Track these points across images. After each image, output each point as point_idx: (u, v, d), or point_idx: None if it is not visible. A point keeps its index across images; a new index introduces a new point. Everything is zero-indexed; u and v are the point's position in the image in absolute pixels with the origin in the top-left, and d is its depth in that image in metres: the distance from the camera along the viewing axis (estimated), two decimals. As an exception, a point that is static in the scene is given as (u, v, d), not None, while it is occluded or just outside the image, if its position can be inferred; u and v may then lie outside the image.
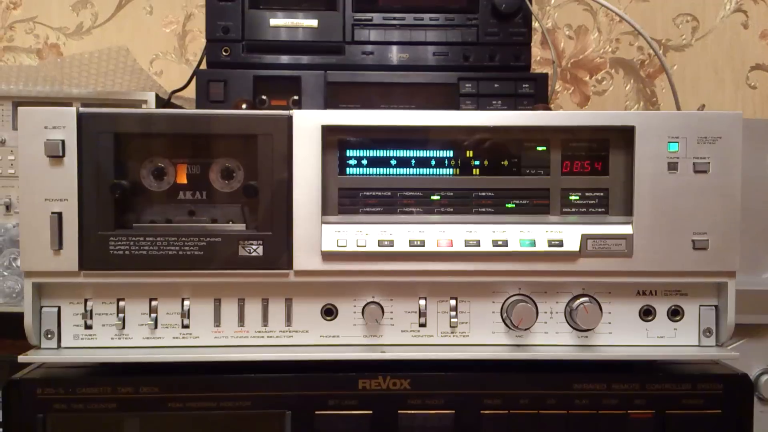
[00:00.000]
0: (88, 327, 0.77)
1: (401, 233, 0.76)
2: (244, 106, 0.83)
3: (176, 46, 1.48)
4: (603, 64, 1.47)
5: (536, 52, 1.42)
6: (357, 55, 1.03)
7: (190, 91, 1.11)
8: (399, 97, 1.03)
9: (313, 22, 1.03)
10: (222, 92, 1.02)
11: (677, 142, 0.75)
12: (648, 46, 1.39)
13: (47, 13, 1.48)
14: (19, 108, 0.74)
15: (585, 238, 0.76)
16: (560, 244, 0.76)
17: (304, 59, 1.04)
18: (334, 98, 1.02)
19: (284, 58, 1.04)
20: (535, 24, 1.18)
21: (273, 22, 1.03)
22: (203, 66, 1.06)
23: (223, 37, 1.03)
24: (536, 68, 1.35)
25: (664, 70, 1.14)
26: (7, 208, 1.12)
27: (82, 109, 0.74)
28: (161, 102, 1.15)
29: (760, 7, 1.46)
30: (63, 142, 0.73)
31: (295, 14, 1.03)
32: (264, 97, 1.02)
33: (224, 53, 1.03)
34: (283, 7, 1.03)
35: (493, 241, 0.76)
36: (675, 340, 0.79)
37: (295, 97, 1.02)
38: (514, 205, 0.78)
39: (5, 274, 1.07)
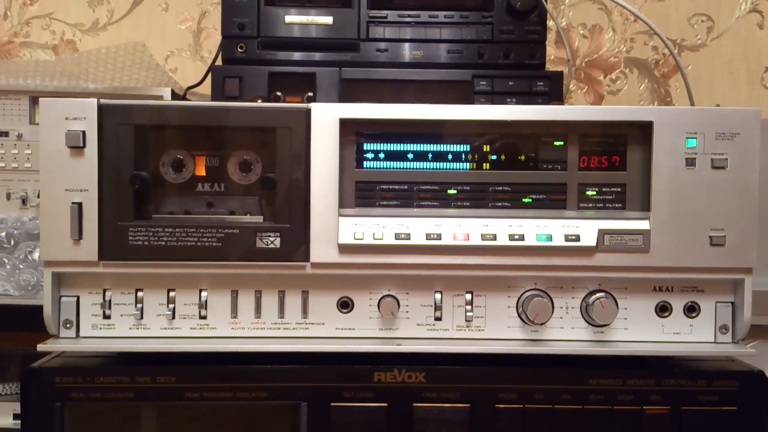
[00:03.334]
0: (106, 317, 0.78)
1: (418, 226, 0.76)
2: (259, 102, 0.83)
3: (191, 43, 1.49)
4: (617, 64, 1.47)
5: (550, 51, 1.42)
6: (372, 53, 1.04)
7: (206, 88, 1.11)
8: (413, 95, 1.03)
9: (328, 19, 1.03)
10: (237, 88, 1.03)
11: (695, 138, 0.75)
12: (663, 45, 1.39)
13: (64, 10, 1.49)
14: (41, 99, 0.74)
15: (602, 233, 0.76)
16: (577, 239, 0.76)
17: (319, 56, 1.04)
18: (348, 95, 1.02)
19: (299, 55, 1.04)
20: (550, 23, 1.18)
21: (288, 18, 1.03)
22: (218, 62, 1.07)
23: (238, 34, 1.03)
24: (550, 67, 1.34)
25: (678, 69, 1.14)
26: (24, 201, 1.12)
27: (103, 101, 0.74)
28: (177, 98, 1.15)
29: (775, 7, 1.46)
30: (84, 133, 0.74)
31: (310, 11, 1.03)
32: (279, 93, 1.02)
33: (239, 50, 1.04)
34: (298, 4, 1.03)
35: (509, 235, 0.76)
36: (691, 336, 0.79)
37: (310, 94, 1.02)
38: (530, 200, 0.78)
39: (21, 267, 1.08)
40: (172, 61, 1.49)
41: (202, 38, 1.49)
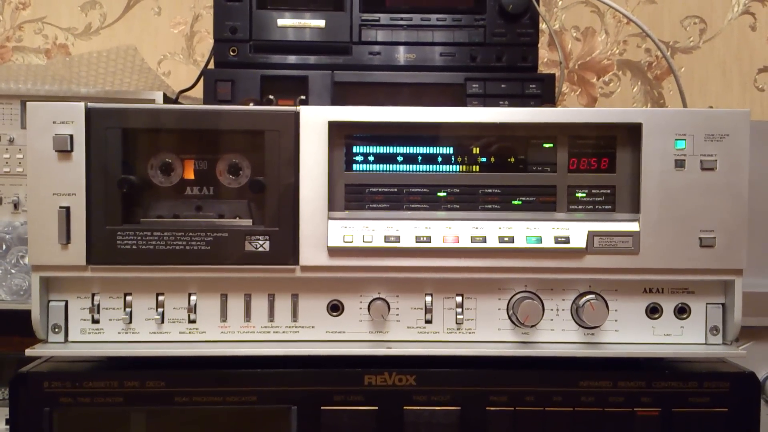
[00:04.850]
0: (95, 321, 0.78)
1: (407, 229, 0.76)
2: (251, 105, 0.83)
3: (184, 46, 1.49)
4: (610, 66, 1.47)
5: (543, 53, 1.42)
6: (364, 56, 1.04)
7: (198, 91, 1.11)
8: (406, 98, 1.03)
9: (321, 23, 1.03)
10: (229, 92, 1.02)
11: (684, 140, 0.75)
12: (655, 48, 1.39)
13: (56, 14, 1.49)
14: (28, 103, 0.74)
15: (592, 235, 0.75)
16: (567, 240, 0.75)
17: (312, 59, 1.04)
18: (341, 98, 1.02)
19: (291, 58, 1.04)
20: (543, 25, 1.18)
21: (280, 22, 1.03)
22: (211, 66, 1.06)
23: (230, 37, 1.03)
24: (543, 70, 1.35)
25: (671, 72, 1.14)
26: (15, 206, 1.12)
27: (90, 105, 0.74)
28: (169, 101, 1.15)
29: (768, 9, 1.46)
30: (71, 136, 0.73)
31: (303, 14, 1.03)
32: (271, 96, 1.02)
33: (232, 53, 1.03)
34: (290, 7, 1.03)
35: (499, 237, 0.76)
36: (682, 338, 0.79)
37: (302, 97, 1.02)
38: (520, 202, 0.78)
39: (13, 271, 1.08)
40: (165, 65, 1.49)
41: (195, 42, 1.49)
